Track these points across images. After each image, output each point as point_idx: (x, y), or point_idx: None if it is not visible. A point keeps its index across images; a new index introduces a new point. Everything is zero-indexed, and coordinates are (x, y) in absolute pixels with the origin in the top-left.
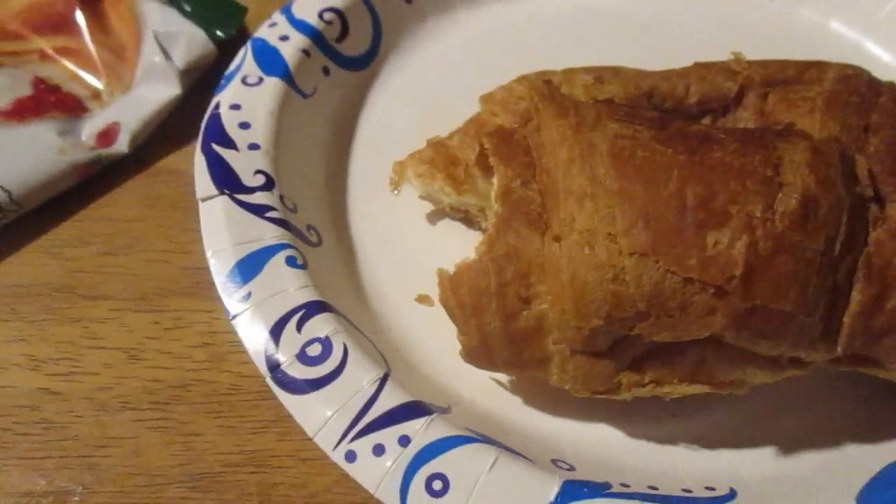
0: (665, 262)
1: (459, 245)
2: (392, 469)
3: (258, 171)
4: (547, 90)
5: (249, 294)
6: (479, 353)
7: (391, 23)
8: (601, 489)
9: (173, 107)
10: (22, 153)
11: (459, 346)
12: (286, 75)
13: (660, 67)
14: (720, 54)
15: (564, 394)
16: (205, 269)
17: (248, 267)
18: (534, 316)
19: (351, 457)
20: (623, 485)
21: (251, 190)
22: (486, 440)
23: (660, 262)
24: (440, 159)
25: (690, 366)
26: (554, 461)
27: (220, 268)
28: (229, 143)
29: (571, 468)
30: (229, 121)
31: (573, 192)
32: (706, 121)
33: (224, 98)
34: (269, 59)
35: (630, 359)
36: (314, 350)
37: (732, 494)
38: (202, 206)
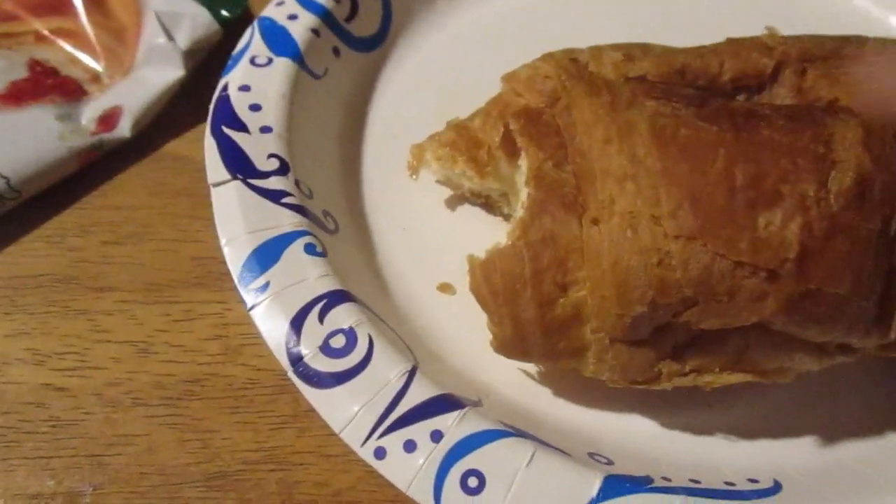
0: (714, 246)
1: (480, 231)
2: (424, 466)
3: (272, 155)
4: (574, 69)
5: (267, 284)
6: (511, 344)
7: (401, 3)
8: (643, 483)
9: (177, 89)
10: (20, 139)
11: (488, 337)
12: (296, 56)
13: (689, 44)
14: (750, 30)
15: (597, 384)
16: (215, 259)
17: (266, 255)
18: (571, 304)
19: (380, 454)
20: (664, 478)
21: (265, 175)
22: (522, 434)
23: (708, 245)
24: (461, 141)
25: (733, 354)
26: (591, 454)
27: (235, 257)
28: (241, 126)
29: (610, 462)
30: (239, 103)
31: (612, 173)
32: (741, 98)
33: (233, 79)
34: (278, 39)
35: (671, 347)
36: (338, 342)
37: (777, 487)
38: (214, 192)
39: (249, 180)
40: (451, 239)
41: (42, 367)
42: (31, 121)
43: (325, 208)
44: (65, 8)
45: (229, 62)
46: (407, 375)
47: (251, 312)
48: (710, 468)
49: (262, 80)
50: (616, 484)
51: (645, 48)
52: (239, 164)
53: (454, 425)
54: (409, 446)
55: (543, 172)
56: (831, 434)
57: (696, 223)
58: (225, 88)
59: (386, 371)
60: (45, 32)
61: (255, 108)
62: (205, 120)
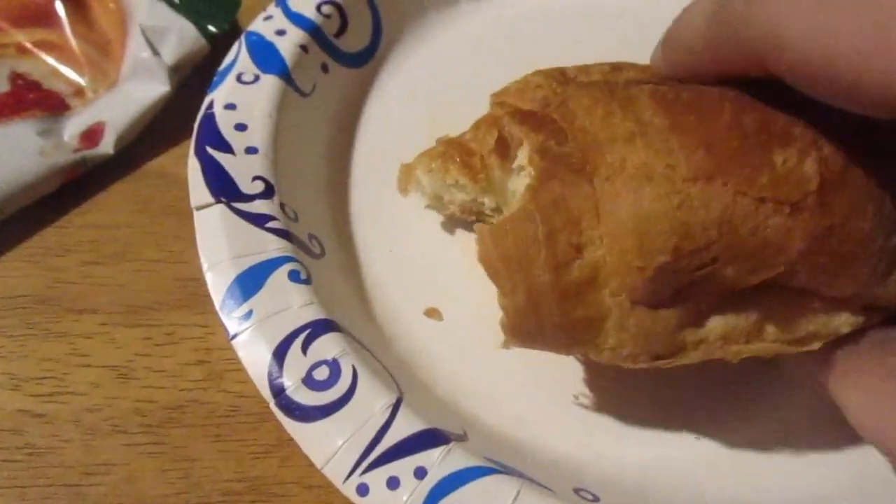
0: (734, 184)
1: (469, 254)
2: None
3: (257, 177)
4: (563, 77)
5: (251, 312)
6: (524, 316)
7: (391, 16)
8: None
9: (162, 105)
10: (0, 155)
11: (474, 365)
12: (284, 73)
13: None
14: None
15: (583, 414)
16: (198, 281)
17: (249, 282)
18: (588, 265)
19: (363, 490)
20: None
21: (250, 198)
22: (507, 470)
23: (728, 183)
24: (453, 151)
25: (758, 321)
26: (577, 490)
27: (218, 283)
28: (225, 147)
29: (595, 498)
30: (224, 122)
31: (619, 137)
32: None
33: (218, 97)
34: (265, 56)
35: (694, 313)
36: (321, 373)
37: None
38: (197, 216)
39: (234, 204)
40: (440, 262)
41: (18, 391)
42: (12, 136)
43: (311, 231)
44: (49, 20)
45: (215, 78)
46: (391, 408)
47: (233, 341)
48: (698, 502)
49: (248, 99)
50: None
51: (632, 63)
52: (223, 187)
53: (438, 462)
54: (393, 483)
55: (546, 147)
56: (820, 464)
57: (713, 164)
58: (210, 106)
59: (370, 404)
60: (28, 45)
61: (241, 127)
62: (189, 135)
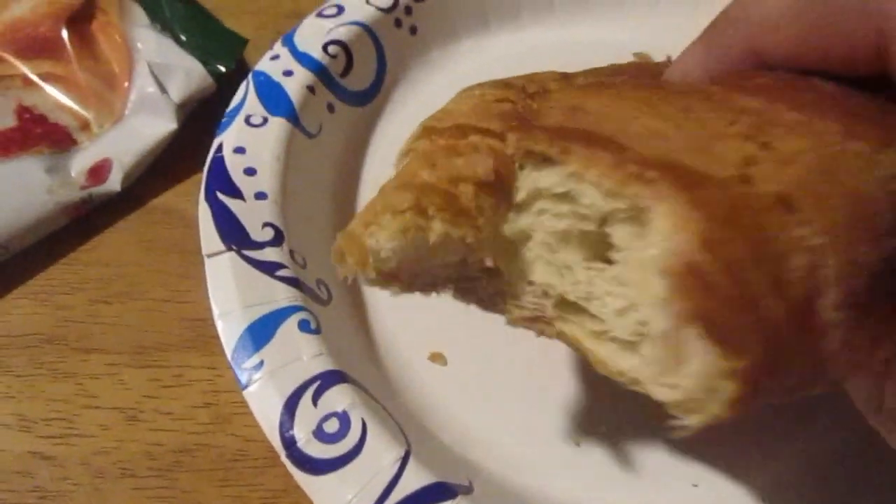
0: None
1: None
2: None
3: (266, 224)
4: (515, 89)
5: (262, 363)
6: (760, 375)
7: (395, 55)
8: None
9: (168, 142)
10: (7, 192)
11: (479, 410)
12: (292, 115)
13: None
14: None
15: (587, 460)
16: (205, 321)
17: (260, 332)
18: (803, 267)
19: None
20: None
21: (260, 245)
22: None
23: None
24: (430, 196)
25: None
26: None
27: (230, 332)
28: (235, 192)
29: None
30: (234, 166)
31: (726, 135)
32: None
33: (227, 140)
34: (273, 97)
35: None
36: (331, 426)
37: None
38: (208, 263)
39: (244, 251)
40: (444, 304)
41: (29, 433)
42: (19, 173)
43: (319, 277)
44: (55, 51)
45: (224, 119)
46: (400, 462)
47: (245, 392)
48: None
49: (257, 142)
50: None
51: (580, 72)
52: (234, 234)
53: None
54: None
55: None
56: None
57: (881, 131)
58: (220, 150)
59: (379, 457)
60: (34, 77)
61: (251, 171)
62: (196, 171)
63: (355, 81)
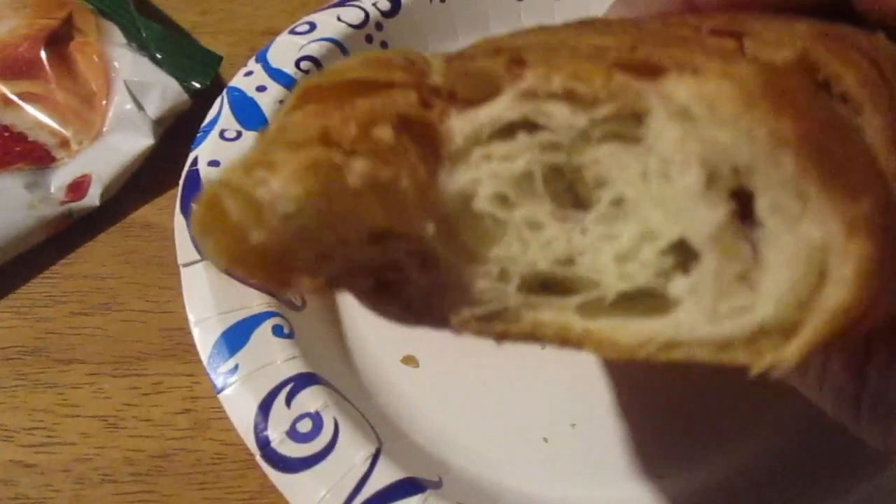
0: None
1: None
2: None
3: None
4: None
5: (237, 367)
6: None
7: None
8: None
9: (146, 157)
10: None
11: (449, 410)
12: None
13: None
14: None
15: (556, 457)
16: (183, 331)
17: (235, 338)
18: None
19: None
20: None
21: None
22: None
23: None
24: (325, 127)
25: None
26: None
27: (205, 338)
28: None
29: None
30: (209, 178)
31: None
32: None
33: (202, 153)
34: (247, 112)
35: None
36: (305, 426)
37: None
38: (184, 272)
39: None
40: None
41: (10, 442)
42: (0, 190)
43: None
44: (33, 72)
45: (199, 134)
46: (371, 459)
47: (220, 395)
48: None
49: (231, 155)
50: None
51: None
52: None
53: None
54: None
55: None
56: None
57: None
58: (195, 163)
59: (351, 455)
60: (12, 96)
61: None
62: (173, 186)
63: None
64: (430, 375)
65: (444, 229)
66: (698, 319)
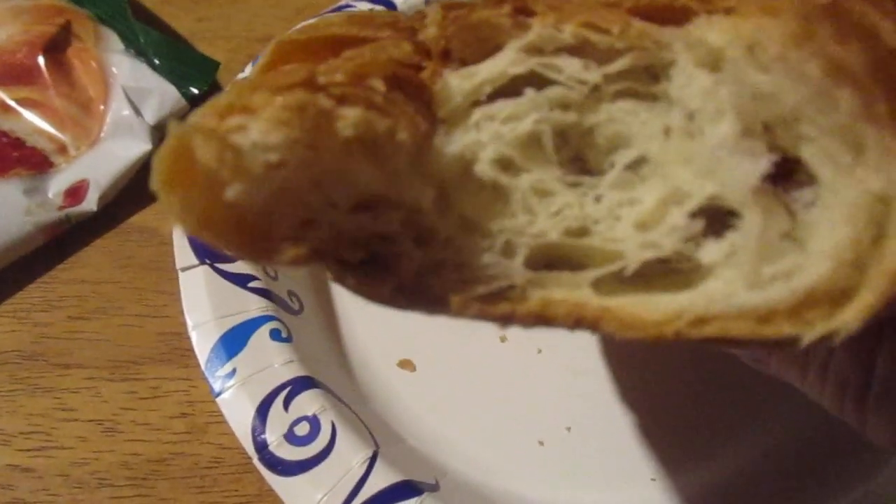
0: None
1: None
2: None
3: None
4: None
5: (234, 371)
6: None
7: None
8: None
9: (143, 162)
10: None
11: (446, 414)
12: None
13: None
14: None
15: (551, 460)
16: (181, 335)
17: (232, 342)
18: None
19: None
20: None
21: (232, 258)
22: None
23: None
24: (311, 72)
25: None
26: None
27: (203, 342)
28: None
29: None
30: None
31: None
32: None
33: None
34: None
35: None
36: (302, 429)
37: None
38: (182, 277)
39: (217, 265)
40: (413, 313)
41: (7, 447)
42: None
43: (290, 288)
44: (31, 78)
45: None
46: (368, 462)
47: (218, 399)
48: None
49: None
50: None
51: None
52: (207, 249)
53: None
54: None
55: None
56: None
57: None
58: None
59: (348, 458)
60: (11, 103)
61: None
62: None
63: None
64: (426, 379)
65: (442, 199)
66: (736, 287)
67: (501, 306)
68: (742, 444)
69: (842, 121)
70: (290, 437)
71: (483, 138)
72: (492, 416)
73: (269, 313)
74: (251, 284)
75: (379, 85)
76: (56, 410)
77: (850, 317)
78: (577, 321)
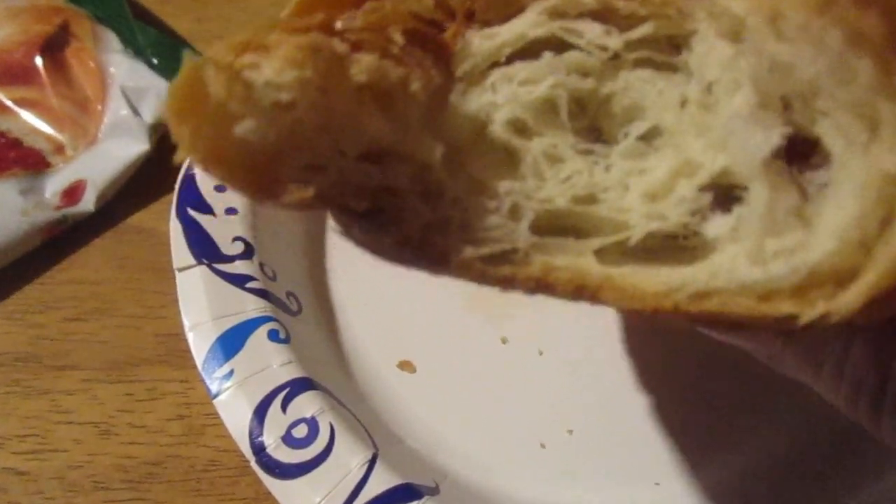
0: None
1: (443, 306)
2: None
3: (237, 238)
4: None
5: (232, 372)
6: None
7: None
8: None
9: (141, 162)
10: None
11: (446, 416)
12: None
13: None
14: None
15: (551, 462)
16: (178, 336)
17: (230, 343)
18: None
19: None
20: None
21: (230, 259)
22: None
23: None
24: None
25: None
26: None
27: (200, 343)
28: (206, 209)
29: None
30: (205, 183)
31: None
32: None
33: None
34: None
35: None
36: (300, 431)
37: None
38: (179, 277)
39: (214, 265)
40: (413, 314)
41: (2, 450)
42: None
43: (289, 289)
44: (28, 78)
45: None
46: (367, 465)
47: (215, 400)
48: None
49: None
50: None
51: None
52: (204, 249)
53: None
54: None
55: None
56: None
57: None
58: (191, 167)
59: (347, 461)
60: (8, 102)
61: (221, 188)
62: (168, 191)
63: None
64: (426, 381)
65: (452, 157)
66: (739, 262)
67: (503, 269)
68: (747, 448)
69: (859, 94)
70: (288, 440)
71: (498, 100)
72: (493, 418)
73: (268, 314)
74: (249, 285)
75: (397, 36)
76: (51, 413)
77: (851, 297)
78: (578, 289)
